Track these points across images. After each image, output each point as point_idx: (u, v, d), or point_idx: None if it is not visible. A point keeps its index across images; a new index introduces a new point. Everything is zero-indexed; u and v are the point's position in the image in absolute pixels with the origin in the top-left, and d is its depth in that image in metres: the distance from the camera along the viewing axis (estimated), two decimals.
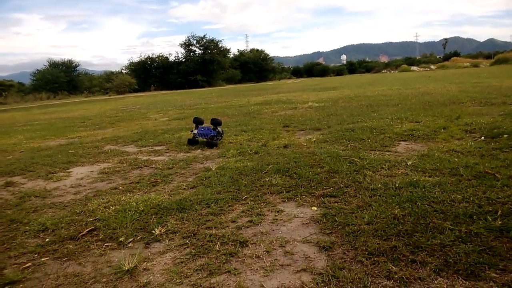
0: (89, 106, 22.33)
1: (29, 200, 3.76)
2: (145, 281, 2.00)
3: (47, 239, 2.69)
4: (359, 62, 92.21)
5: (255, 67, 67.69)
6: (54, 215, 3.19)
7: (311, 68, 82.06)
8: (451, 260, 1.91)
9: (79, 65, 57.01)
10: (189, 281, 1.97)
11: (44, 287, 2.05)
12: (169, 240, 2.50)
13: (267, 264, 2.08)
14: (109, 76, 55.44)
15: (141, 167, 4.76)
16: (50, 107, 26.29)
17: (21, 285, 2.09)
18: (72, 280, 2.10)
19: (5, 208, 3.52)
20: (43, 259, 2.40)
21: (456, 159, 3.73)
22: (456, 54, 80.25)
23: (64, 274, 2.17)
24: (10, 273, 2.23)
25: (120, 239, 2.56)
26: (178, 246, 2.40)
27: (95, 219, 2.96)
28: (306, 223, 2.59)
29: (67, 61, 55.41)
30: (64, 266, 2.28)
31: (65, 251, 2.47)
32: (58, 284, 2.07)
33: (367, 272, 1.87)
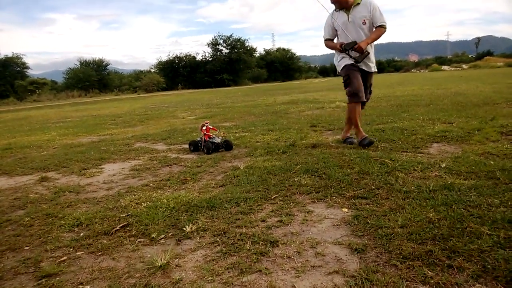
0: (119, 104, 22.87)
1: (63, 195, 3.88)
2: (178, 277, 2.03)
3: (81, 234, 2.77)
4: (388, 61, 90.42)
5: (281, 66, 67.62)
6: (88, 210, 3.28)
7: None
8: (489, 266, 1.84)
9: (109, 64, 58.61)
10: (220, 279, 1.98)
11: (80, 281, 2.10)
12: (200, 237, 2.53)
13: (298, 265, 2.07)
14: (138, 75, 56.74)
15: (171, 165, 4.83)
16: (82, 104, 27.09)
17: (57, 278, 2.16)
18: (106, 274, 2.15)
19: (41, 203, 3.64)
20: (78, 253, 2.47)
21: (492, 162, 3.61)
22: (489, 53, 77.59)
23: (98, 269, 2.23)
24: (47, 266, 2.30)
25: (152, 235, 2.60)
26: (209, 244, 2.42)
27: (127, 215, 3.03)
28: (337, 225, 2.57)
29: (98, 60, 57.03)
30: (98, 260, 2.34)
31: (99, 245, 2.54)
32: (93, 278, 2.13)
33: (401, 276, 1.83)
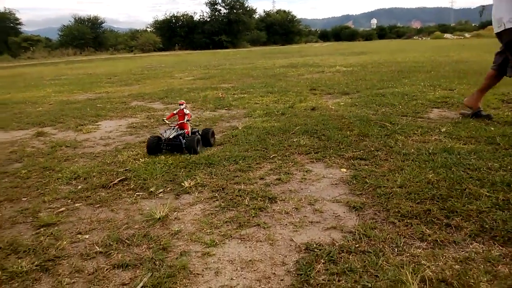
0: (115, 63, 22.48)
1: (60, 149, 3.85)
2: (177, 229, 2.04)
3: (79, 187, 2.77)
4: (390, 27, 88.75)
5: (281, 29, 66.19)
6: (85, 165, 3.27)
7: (339, 32, 79.70)
8: (487, 226, 1.85)
9: (104, 22, 57.12)
10: (219, 231, 1.99)
11: (79, 231, 2.11)
12: (198, 192, 2.53)
13: (296, 220, 2.08)
14: (134, 34, 55.45)
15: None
16: (77, 62, 26.61)
17: (56, 228, 2.16)
18: (105, 225, 2.15)
19: (37, 156, 3.62)
20: (76, 205, 2.47)
21: (492, 128, 3.59)
22: None
23: (97, 219, 2.23)
24: (45, 216, 2.30)
25: (151, 189, 2.60)
26: (208, 199, 2.42)
27: (125, 170, 3.02)
28: (335, 184, 2.57)
29: (92, 17, 55.55)
30: (97, 212, 2.34)
31: (97, 198, 2.53)
32: (92, 228, 2.13)
33: (399, 233, 1.84)
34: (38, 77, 14.14)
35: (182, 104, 3.57)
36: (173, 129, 3.46)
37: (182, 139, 3.40)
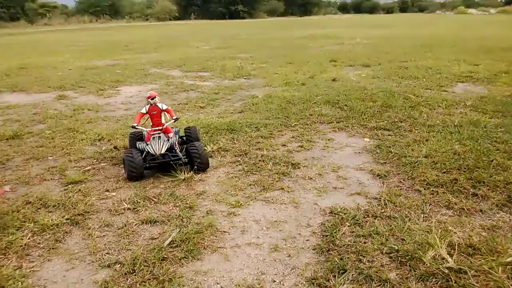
0: (131, 31, 22.38)
1: (82, 112, 3.89)
2: (201, 189, 2.07)
3: (103, 148, 2.81)
4: (412, 0, 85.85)
5: None
6: (108, 127, 3.31)
7: (359, 4, 77.39)
8: None
9: None
10: (243, 193, 2.02)
11: (106, 188, 2.16)
12: (221, 157, 2.55)
13: (320, 186, 2.09)
14: (150, 2, 54.69)
15: (188, 91, 4.78)
16: (93, 30, 26.55)
17: (83, 185, 2.21)
18: (131, 184, 2.20)
19: (61, 119, 3.67)
20: (102, 164, 2.51)
21: None
22: None
23: (123, 178, 2.27)
24: (72, 174, 2.35)
25: None
26: (231, 163, 2.44)
27: None
28: (359, 152, 2.56)
29: None
30: (122, 171, 2.38)
31: (122, 158, 2.57)
32: (118, 186, 2.18)
33: (425, 201, 1.84)
34: (57, 43, 14.18)
35: (154, 97, 2.48)
36: (159, 138, 2.36)
37: (179, 152, 2.38)
